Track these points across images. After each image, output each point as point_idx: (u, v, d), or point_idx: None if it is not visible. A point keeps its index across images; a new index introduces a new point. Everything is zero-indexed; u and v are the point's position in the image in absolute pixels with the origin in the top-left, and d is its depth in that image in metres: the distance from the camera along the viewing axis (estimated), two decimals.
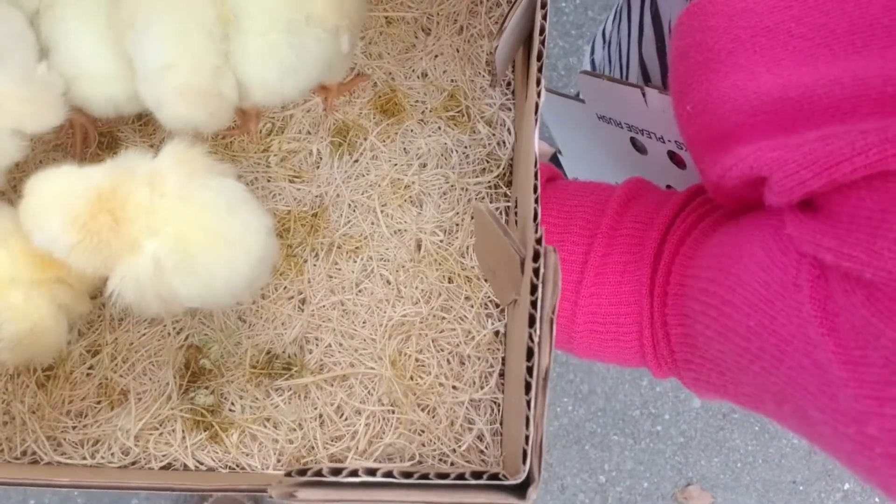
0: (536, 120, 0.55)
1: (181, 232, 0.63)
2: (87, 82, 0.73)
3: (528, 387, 0.45)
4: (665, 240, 0.79)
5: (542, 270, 0.46)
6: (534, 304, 0.46)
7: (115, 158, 0.65)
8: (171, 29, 0.67)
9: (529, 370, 0.45)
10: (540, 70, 0.56)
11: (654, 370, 0.77)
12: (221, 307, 0.80)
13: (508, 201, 0.85)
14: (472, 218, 0.79)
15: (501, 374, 0.80)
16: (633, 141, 1.02)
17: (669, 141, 0.97)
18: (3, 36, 0.72)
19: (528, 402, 0.45)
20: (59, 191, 0.62)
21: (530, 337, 0.45)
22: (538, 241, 0.47)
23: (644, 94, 0.93)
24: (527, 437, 0.45)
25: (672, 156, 1.00)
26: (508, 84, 0.89)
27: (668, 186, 1.05)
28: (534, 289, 0.46)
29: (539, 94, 0.55)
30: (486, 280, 0.83)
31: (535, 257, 0.46)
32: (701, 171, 0.72)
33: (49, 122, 0.72)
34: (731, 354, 0.61)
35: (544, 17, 0.56)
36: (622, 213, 0.81)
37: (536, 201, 0.54)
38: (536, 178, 0.54)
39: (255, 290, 0.78)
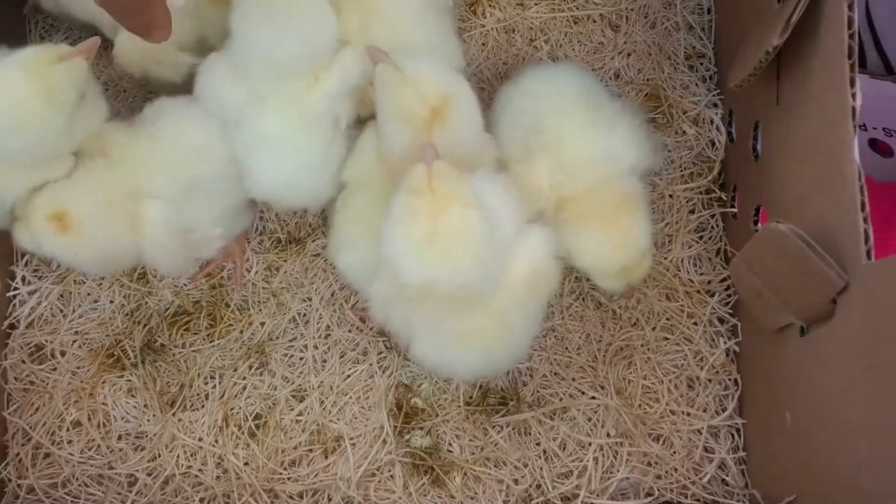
0: (855, 128, 0.48)
1: None
2: None
3: None
4: None
5: None
6: None
7: None
8: None
9: None
10: (853, 69, 0.49)
11: None
12: None
13: (724, 207, 0.78)
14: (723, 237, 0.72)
15: (739, 398, 0.74)
16: None
17: (875, 128, 0.89)
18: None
19: None
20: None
21: None
22: None
23: None
24: None
25: (873, 143, 0.92)
26: (710, 78, 0.82)
27: None
28: None
29: (854, 97, 0.48)
30: (708, 295, 0.76)
31: None
32: None
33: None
34: None
35: (850, 7, 0.49)
36: None
37: (866, 220, 0.47)
38: (863, 194, 0.47)
39: None
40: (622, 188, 0.65)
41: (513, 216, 0.61)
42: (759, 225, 0.69)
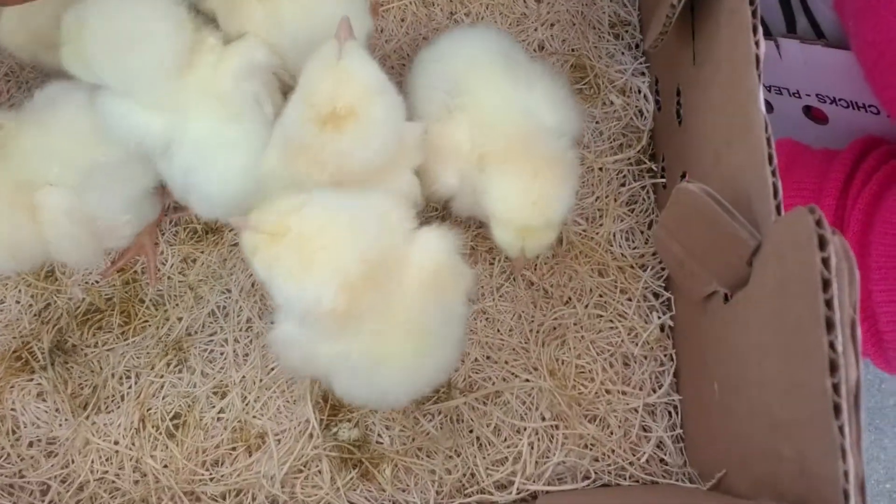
0: (760, 76, 0.46)
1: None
2: None
3: (836, 409, 0.36)
4: (845, 206, 0.69)
5: (833, 260, 0.37)
6: (828, 303, 0.37)
7: None
8: None
9: (836, 387, 0.36)
10: (755, 15, 0.46)
11: None
12: None
13: (655, 177, 0.76)
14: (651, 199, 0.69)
15: (675, 374, 0.71)
16: None
17: (808, 95, 0.87)
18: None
19: (841, 428, 0.36)
20: None
21: (831, 346, 0.36)
22: (819, 224, 0.38)
23: (778, 46, 0.82)
24: (846, 473, 0.35)
25: (808, 110, 0.90)
26: (637, 46, 0.79)
27: None
28: (826, 285, 0.37)
29: (758, 45, 0.46)
30: (641, 269, 0.74)
31: (822, 245, 0.37)
32: None
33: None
34: None
35: None
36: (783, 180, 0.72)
37: (774, 174, 0.45)
38: (770, 147, 0.45)
39: None
40: (547, 149, 0.63)
41: (401, 223, 0.58)
42: None
